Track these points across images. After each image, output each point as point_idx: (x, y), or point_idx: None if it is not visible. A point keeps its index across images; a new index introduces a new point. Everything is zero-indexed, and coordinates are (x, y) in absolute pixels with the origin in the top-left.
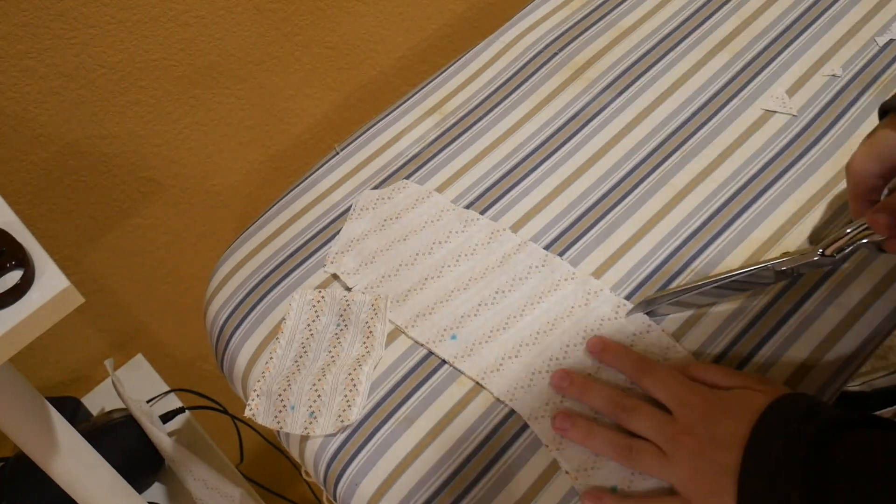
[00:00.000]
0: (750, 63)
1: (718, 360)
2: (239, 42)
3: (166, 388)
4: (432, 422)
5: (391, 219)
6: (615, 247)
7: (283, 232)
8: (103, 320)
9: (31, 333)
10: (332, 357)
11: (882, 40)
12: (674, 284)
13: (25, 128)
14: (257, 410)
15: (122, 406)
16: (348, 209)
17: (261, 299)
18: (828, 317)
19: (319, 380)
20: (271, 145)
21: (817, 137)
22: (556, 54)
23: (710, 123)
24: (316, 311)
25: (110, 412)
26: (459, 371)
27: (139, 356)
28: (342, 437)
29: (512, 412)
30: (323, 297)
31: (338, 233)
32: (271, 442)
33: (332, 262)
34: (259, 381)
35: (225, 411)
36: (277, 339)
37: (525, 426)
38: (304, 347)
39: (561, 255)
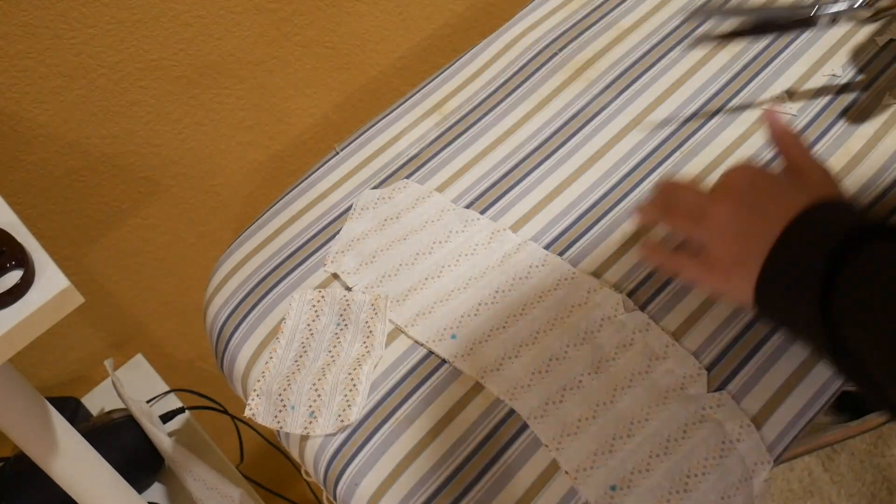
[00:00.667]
0: (750, 63)
1: (718, 360)
2: (239, 42)
3: (166, 389)
4: (432, 421)
5: (391, 218)
6: (615, 246)
7: (283, 232)
8: (103, 320)
9: (30, 333)
10: (332, 357)
11: (882, 40)
12: (673, 283)
13: (25, 128)
14: (257, 410)
15: (122, 406)
16: (348, 209)
17: (261, 299)
18: None
19: (319, 379)
20: (271, 145)
21: (817, 137)
22: (555, 54)
23: (710, 123)
24: (316, 311)
25: (110, 412)
26: (459, 370)
27: (139, 356)
28: (342, 436)
29: (512, 412)
30: (323, 296)
31: (338, 232)
32: (271, 442)
33: (332, 262)
34: (259, 380)
35: (225, 411)
36: (277, 338)
37: (525, 426)
38: (304, 347)
39: (561, 254)
